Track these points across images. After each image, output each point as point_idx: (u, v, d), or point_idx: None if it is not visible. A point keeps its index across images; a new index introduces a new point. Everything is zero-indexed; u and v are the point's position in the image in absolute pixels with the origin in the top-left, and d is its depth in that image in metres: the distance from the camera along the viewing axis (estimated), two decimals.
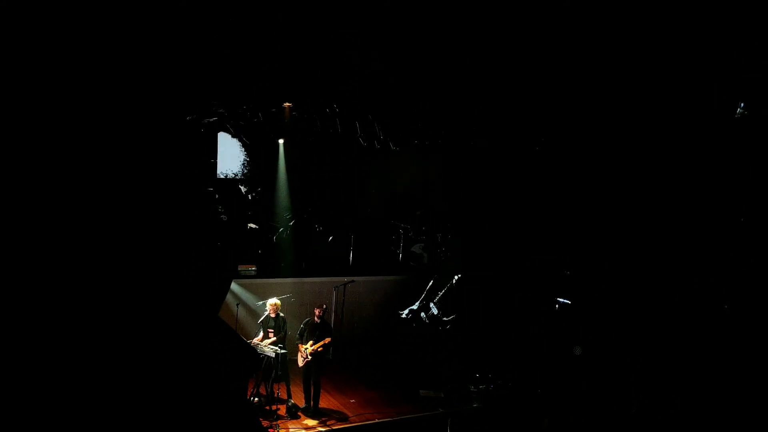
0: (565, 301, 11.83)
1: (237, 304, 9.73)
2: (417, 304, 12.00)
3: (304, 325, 8.88)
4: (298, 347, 8.81)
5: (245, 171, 12.31)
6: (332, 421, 8.37)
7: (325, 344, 8.60)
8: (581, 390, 9.96)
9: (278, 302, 8.89)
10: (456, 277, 12.19)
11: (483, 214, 13.41)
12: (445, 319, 11.84)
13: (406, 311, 11.85)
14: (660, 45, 9.55)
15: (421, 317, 11.86)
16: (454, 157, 13.32)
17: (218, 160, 10.93)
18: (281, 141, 12.00)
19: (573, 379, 10.26)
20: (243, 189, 12.25)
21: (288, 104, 11.03)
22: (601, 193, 11.71)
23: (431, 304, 11.93)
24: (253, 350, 8.06)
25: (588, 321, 11.29)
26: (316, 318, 8.80)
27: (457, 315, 12.01)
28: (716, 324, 9.84)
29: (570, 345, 11.09)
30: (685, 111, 10.08)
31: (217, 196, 10.47)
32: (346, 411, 8.76)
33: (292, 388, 8.92)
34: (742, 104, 9.12)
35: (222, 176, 11.39)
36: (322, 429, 8.14)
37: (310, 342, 8.65)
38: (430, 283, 12.13)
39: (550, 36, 9.89)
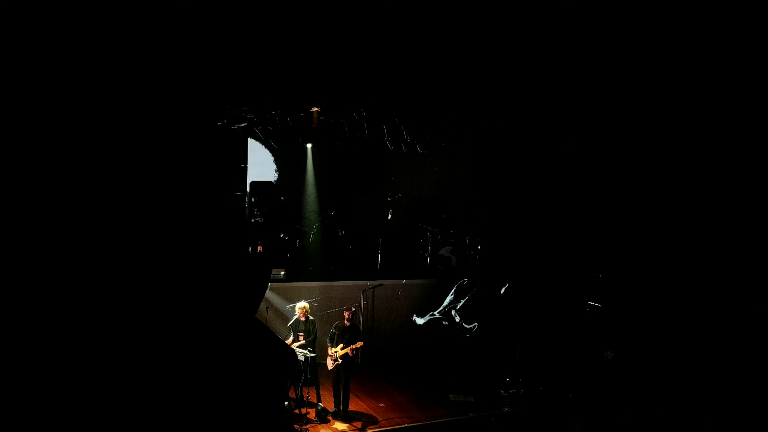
0: (597, 304, 11.64)
1: (266, 308, 9.86)
2: (437, 311, 11.92)
3: (335, 328, 8.92)
4: (327, 351, 8.85)
5: (274, 176, 12.45)
6: (362, 425, 8.38)
7: (356, 348, 8.62)
8: (613, 394, 9.79)
9: (307, 305, 8.95)
10: (504, 287, 12.05)
11: (512, 216, 13.30)
12: (466, 326, 11.74)
13: (424, 318, 11.77)
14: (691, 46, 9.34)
15: (443, 324, 11.77)
16: (482, 160, 13.24)
17: (248, 165, 11.08)
18: (309, 145, 12.10)
19: (605, 384, 10.09)
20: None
21: (316, 109, 11.12)
22: (633, 195, 11.49)
23: (453, 312, 11.84)
24: (292, 351, 8.12)
25: (620, 325, 11.09)
26: (345, 321, 8.83)
27: (480, 322, 11.90)
28: (747, 325, 9.56)
29: (602, 349, 10.92)
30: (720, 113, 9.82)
31: (253, 199, 10.62)
32: (375, 415, 8.76)
33: (322, 392, 8.97)
34: None
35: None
36: None
37: (340, 345, 8.68)
38: (453, 290, 12.03)
39: (581, 36, 9.75)
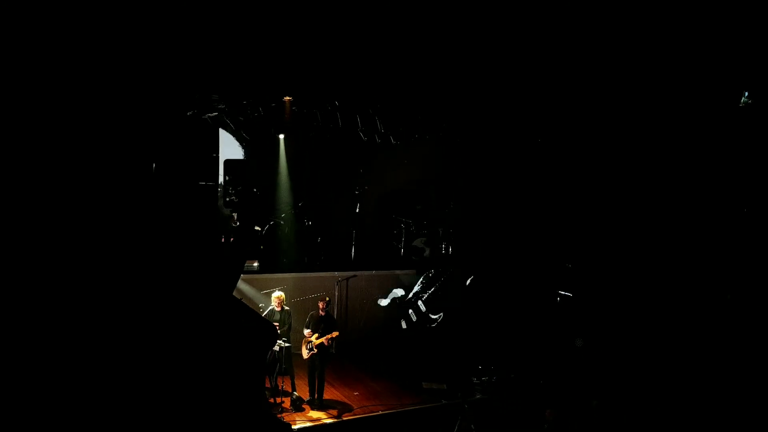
0: (567, 293, 11.88)
1: (240, 299, 9.76)
2: (401, 293, 12.01)
3: (310, 317, 8.92)
4: (302, 340, 8.84)
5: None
6: (337, 413, 8.41)
7: (331, 337, 8.64)
8: (583, 381, 10.02)
9: (283, 295, 8.92)
10: (469, 279, 12.22)
11: (484, 207, 13.45)
12: (432, 316, 11.88)
13: (387, 299, 11.84)
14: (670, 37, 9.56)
15: (408, 314, 11.88)
16: (456, 151, 13.34)
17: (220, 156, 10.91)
18: (281, 136, 12.00)
19: (575, 371, 10.32)
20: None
21: (288, 98, 11.03)
22: (602, 185, 11.73)
23: (419, 302, 11.96)
24: (269, 323, 8.11)
25: (589, 313, 11.34)
26: (320, 311, 8.84)
27: (453, 312, 12.05)
28: (719, 318, 9.86)
29: (572, 337, 11.16)
30: (688, 104, 10.08)
31: (227, 178, 10.51)
32: (350, 403, 8.81)
33: (297, 381, 8.96)
34: (747, 93, 9.09)
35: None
36: (327, 420, 8.19)
37: (315, 335, 8.69)
38: (420, 280, 12.16)
39: (553, 28, 9.90)
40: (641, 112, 10.69)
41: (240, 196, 10.59)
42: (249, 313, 7.47)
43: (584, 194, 12.08)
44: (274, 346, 8.20)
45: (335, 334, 8.66)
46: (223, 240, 9.86)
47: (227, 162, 10.80)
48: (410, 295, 12.07)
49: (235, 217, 10.98)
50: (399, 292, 11.82)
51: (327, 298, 9.09)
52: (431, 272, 12.27)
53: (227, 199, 10.51)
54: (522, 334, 11.41)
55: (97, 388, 5.55)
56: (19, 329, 5.54)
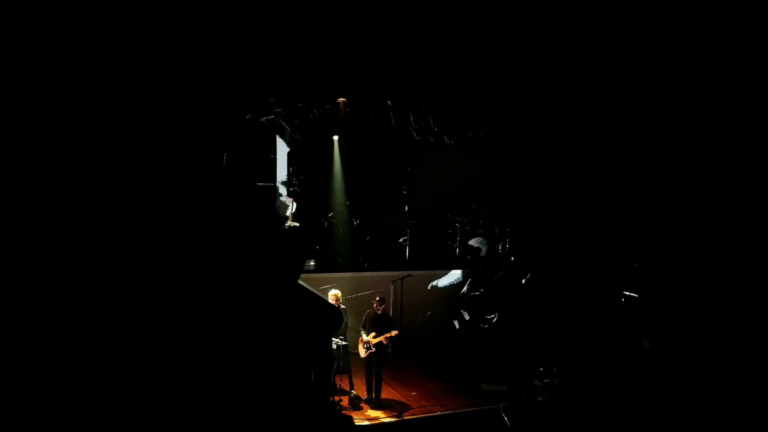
0: (632, 294, 11.40)
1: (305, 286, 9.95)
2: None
3: (366, 317, 8.93)
4: (359, 339, 8.85)
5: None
6: (394, 413, 8.36)
7: (389, 336, 8.61)
8: (650, 385, 9.57)
9: (339, 293, 8.96)
10: (526, 278, 12.00)
11: (543, 206, 13.10)
12: (487, 317, 11.66)
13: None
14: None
15: (461, 314, 11.72)
16: (511, 149, 13.07)
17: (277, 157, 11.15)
18: (336, 137, 12.11)
19: (642, 374, 9.86)
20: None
21: (342, 100, 11.12)
22: (668, 182, 11.20)
23: (462, 311, 11.77)
24: (338, 310, 8.20)
25: (656, 314, 10.83)
26: (377, 310, 8.82)
27: (512, 313, 11.81)
28: None
29: (638, 339, 10.69)
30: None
31: (291, 169, 10.75)
32: (408, 403, 8.74)
33: (354, 381, 8.98)
34: None
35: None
36: (386, 419, 8.15)
37: (372, 333, 8.68)
38: (467, 284, 11.96)
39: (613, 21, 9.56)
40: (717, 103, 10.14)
41: (303, 186, 10.75)
42: (315, 299, 7.63)
43: (650, 191, 11.57)
44: (339, 328, 8.27)
45: (394, 333, 8.62)
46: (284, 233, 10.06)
47: (290, 154, 11.02)
48: (460, 294, 11.93)
49: (293, 210, 11.15)
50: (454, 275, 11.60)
51: (380, 297, 9.04)
52: (480, 271, 12.07)
53: (290, 189, 10.71)
54: (586, 336, 11.02)
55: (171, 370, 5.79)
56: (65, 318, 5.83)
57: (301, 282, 10.00)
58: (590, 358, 9.58)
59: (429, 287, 11.70)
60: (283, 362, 6.27)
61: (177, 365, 5.99)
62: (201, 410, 5.92)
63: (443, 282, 11.67)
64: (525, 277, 12.08)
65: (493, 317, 11.70)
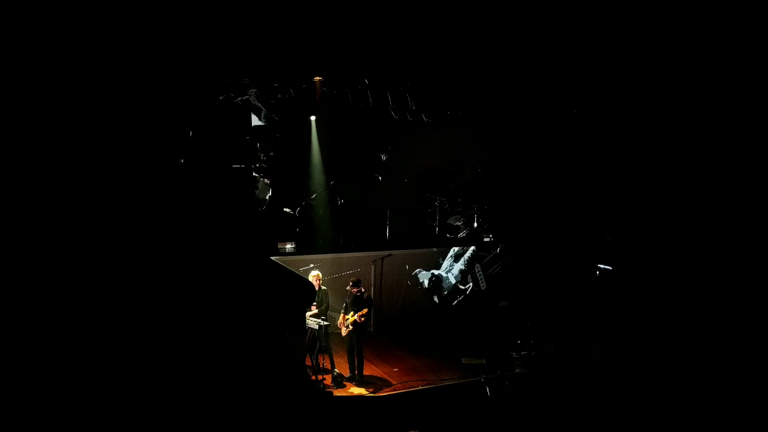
0: (607, 267, 11.66)
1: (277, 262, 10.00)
2: (441, 270, 12.09)
3: (347, 297, 9.02)
4: (340, 319, 8.96)
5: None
6: (377, 389, 8.51)
7: (363, 314, 8.72)
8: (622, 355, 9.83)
9: (320, 274, 9.01)
10: (498, 247, 12.23)
11: (520, 182, 13.25)
12: (462, 287, 11.92)
13: (426, 275, 11.92)
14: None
15: (440, 289, 11.97)
16: (489, 127, 13.13)
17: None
18: (313, 118, 12.02)
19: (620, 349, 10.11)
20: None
21: (318, 78, 11.02)
22: (641, 155, 11.38)
23: (449, 274, 12.01)
24: (310, 283, 8.27)
25: (630, 287, 11.10)
26: (354, 291, 8.91)
27: (492, 288, 12.07)
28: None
29: (610, 312, 10.96)
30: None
31: (258, 145, 10.68)
32: (389, 379, 8.90)
33: (337, 359, 9.09)
34: None
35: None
36: (368, 395, 8.29)
37: (351, 313, 8.79)
38: (452, 251, 12.16)
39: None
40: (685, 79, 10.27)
41: (270, 162, 10.68)
42: (286, 273, 7.68)
43: (623, 163, 11.75)
44: (313, 301, 8.40)
45: (364, 311, 8.72)
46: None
47: (255, 128, 10.90)
48: (440, 270, 12.12)
49: (267, 184, 11.09)
50: (424, 276, 11.94)
51: (354, 279, 9.10)
52: (461, 248, 12.27)
53: (257, 165, 10.64)
54: (562, 308, 11.29)
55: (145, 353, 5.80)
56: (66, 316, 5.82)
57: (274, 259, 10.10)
58: (589, 357, 9.80)
59: (413, 274, 11.86)
60: (259, 339, 6.31)
61: (158, 353, 6.00)
62: (181, 391, 5.96)
63: (423, 277, 11.88)
64: (498, 247, 12.30)
65: (467, 288, 11.95)
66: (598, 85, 11.67)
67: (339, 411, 7.75)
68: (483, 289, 11.94)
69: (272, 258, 10.35)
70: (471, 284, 11.87)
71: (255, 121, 11.43)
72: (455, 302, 11.97)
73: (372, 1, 9.45)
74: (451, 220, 13.30)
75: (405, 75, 11.69)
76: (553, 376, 9.35)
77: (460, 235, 13.05)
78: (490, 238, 12.51)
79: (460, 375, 9.09)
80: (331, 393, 8.12)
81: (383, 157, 12.74)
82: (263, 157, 10.56)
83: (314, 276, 8.89)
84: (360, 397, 8.26)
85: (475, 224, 13.12)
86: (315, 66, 10.75)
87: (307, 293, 7.71)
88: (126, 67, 7.29)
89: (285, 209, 11.50)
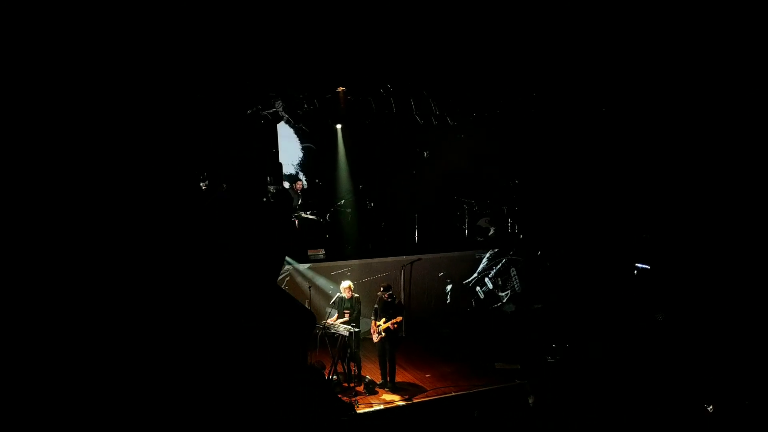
0: (645, 266, 11.33)
1: (309, 287, 10.14)
2: (473, 277, 11.96)
3: (377, 303, 9.05)
4: (371, 325, 8.98)
5: (300, 158, 12.58)
6: (409, 395, 8.49)
7: (396, 322, 8.72)
8: (665, 357, 9.53)
9: (351, 284, 9.07)
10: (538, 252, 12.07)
11: (551, 181, 13.02)
12: (500, 294, 11.74)
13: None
14: None
15: (476, 292, 11.82)
16: (516, 127, 12.98)
17: (279, 150, 11.24)
18: (339, 126, 12.15)
19: (656, 346, 9.82)
20: (304, 176, 12.55)
21: (342, 89, 11.14)
22: (679, 151, 11.04)
23: (486, 279, 11.85)
24: (311, 313, 8.38)
25: (670, 286, 10.76)
26: (385, 297, 8.92)
27: (526, 291, 11.88)
28: None
29: (651, 312, 10.65)
30: None
31: (269, 178, 10.85)
32: (422, 385, 8.86)
33: (369, 366, 9.12)
34: None
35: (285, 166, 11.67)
36: (401, 403, 8.28)
37: (383, 319, 8.80)
38: (486, 256, 12.02)
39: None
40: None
41: (277, 192, 10.81)
42: (289, 300, 7.75)
43: (661, 160, 11.41)
44: (312, 330, 8.46)
45: (399, 318, 8.71)
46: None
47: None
48: (476, 273, 11.99)
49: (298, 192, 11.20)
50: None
51: (384, 285, 9.11)
52: (496, 250, 12.11)
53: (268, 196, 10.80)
54: (598, 310, 11.02)
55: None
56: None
57: (310, 273, 10.20)
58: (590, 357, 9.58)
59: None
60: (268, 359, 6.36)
61: (165, 360, 6.12)
62: (189, 403, 6.07)
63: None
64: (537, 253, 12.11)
65: (506, 294, 11.80)
66: (632, 82, 11.38)
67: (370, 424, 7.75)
68: (518, 292, 11.75)
69: (303, 265, 10.55)
70: (509, 292, 11.69)
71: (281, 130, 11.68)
72: (492, 308, 11.80)
73: (391, 10, 9.49)
74: (480, 222, 13.19)
75: (428, 80, 11.68)
76: (585, 381, 9.14)
77: (490, 236, 12.92)
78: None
79: (494, 380, 8.98)
80: (352, 405, 8.10)
81: (425, 154, 12.71)
82: (272, 189, 10.69)
83: (345, 287, 8.96)
84: (393, 406, 8.23)
85: (506, 225, 12.97)
86: (338, 76, 10.87)
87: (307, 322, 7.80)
88: (156, 86, 7.54)
89: (311, 216, 11.60)
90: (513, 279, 12.00)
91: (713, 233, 10.44)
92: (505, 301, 11.77)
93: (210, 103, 8.81)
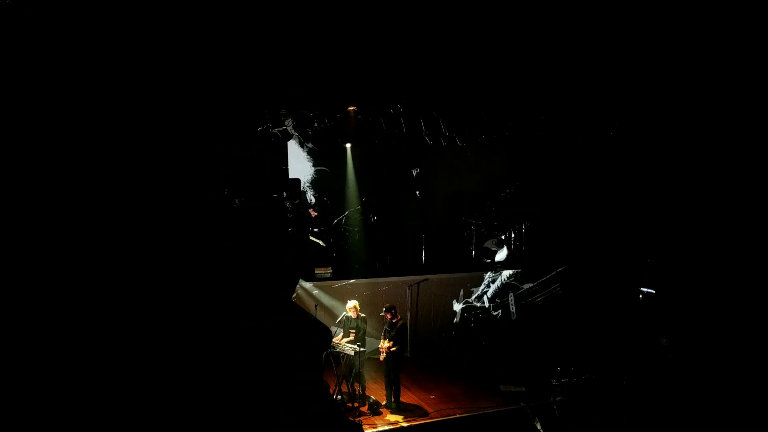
0: (650, 290, 11.33)
1: (315, 306, 10.17)
2: (474, 296, 11.98)
3: (385, 323, 9.08)
4: (381, 342, 9.01)
5: (310, 175, 12.67)
6: (413, 417, 8.47)
7: (390, 348, 8.71)
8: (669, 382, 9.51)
9: (357, 304, 9.13)
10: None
11: (558, 205, 13.07)
12: (493, 313, 11.77)
13: (461, 304, 11.84)
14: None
15: (476, 309, 11.86)
16: (524, 149, 13.07)
17: (289, 167, 11.32)
18: (348, 145, 12.25)
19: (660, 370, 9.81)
20: (313, 194, 12.62)
21: (352, 108, 11.27)
22: (684, 176, 11.10)
23: (484, 297, 11.89)
24: (327, 328, 8.38)
25: (675, 311, 10.75)
26: (387, 317, 8.95)
27: (529, 312, 11.89)
28: None
29: (656, 335, 10.63)
30: None
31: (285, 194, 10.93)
32: (426, 407, 8.84)
33: (374, 386, 9.11)
34: None
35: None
36: (404, 424, 8.26)
37: (386, 341, 8.83)
38: (487, 276, 12.06)
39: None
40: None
41: (294, 210, 10.88)
42: (304, 316, 7.77)
43: (665, 186, 11.48)
44: (328, 346, 8.54)
45: (389, 345, 8.68)
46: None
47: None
48: (477, 293, 12.05)
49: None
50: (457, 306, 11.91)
51: (387, 306, 9.13)
52: (498, 270, 12.19)
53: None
54: (603, 334, 10.99)
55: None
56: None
57: (316, 292, 10.24)
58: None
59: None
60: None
61: (178, 366, 6.18)
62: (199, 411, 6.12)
63: (459, 305, 11.88)
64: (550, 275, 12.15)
65: (498, 314, 11.83)
66: (642, 106, 11.50)
67: None
68: (513, 319, 11.77)
69: (308, 283, 10.59)
70: (501, 311, 11.74)
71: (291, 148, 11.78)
72: (472, 323, 11.84)
73: (402, 31, 9.66)
74: (488, 244, 13.20)
75: (437, 101, 11.80)
76: (595, 404, 9.09)
77: (498, 258, 12.94)
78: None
79: (499, 403, 8.95)
80: (359, 425, 8.08)
81: (414, 172, 12.81)
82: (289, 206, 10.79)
83: (351, 307, 9.01)
84: (397, 427, 8.20)
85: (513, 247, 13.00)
86: (349, 96, 11.00)
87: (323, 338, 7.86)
88: (163, 98, 7.71)
89: (314, 239, 11.65)
90: (510, 303, 12.03)
91: (718, 258, 10.47)
92: (497, 318, 11.83)
93: (221, 119, 8.98)
